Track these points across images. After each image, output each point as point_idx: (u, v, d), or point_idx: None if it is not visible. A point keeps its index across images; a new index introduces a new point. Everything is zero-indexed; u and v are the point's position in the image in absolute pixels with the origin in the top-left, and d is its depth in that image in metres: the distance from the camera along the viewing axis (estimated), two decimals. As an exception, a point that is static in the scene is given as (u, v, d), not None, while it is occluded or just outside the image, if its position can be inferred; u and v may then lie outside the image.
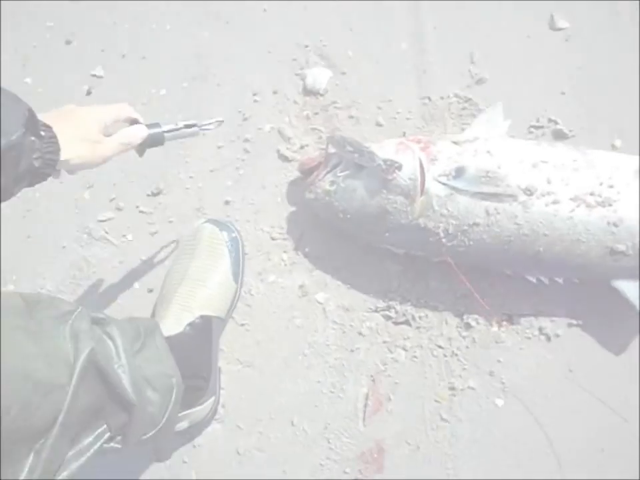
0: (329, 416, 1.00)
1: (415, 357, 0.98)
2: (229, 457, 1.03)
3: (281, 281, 1.06)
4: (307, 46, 1.16)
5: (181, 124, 0.90)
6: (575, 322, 0.94)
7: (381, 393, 0.98)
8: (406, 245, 0.94)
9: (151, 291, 1.11)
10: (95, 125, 0.79)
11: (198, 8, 1.24)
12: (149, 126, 0.86)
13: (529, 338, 0.95)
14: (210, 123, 0.92)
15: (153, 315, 1.02)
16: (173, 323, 0.97)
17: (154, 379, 0.80)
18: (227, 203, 1.11)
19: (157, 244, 1.14)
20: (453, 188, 0.88)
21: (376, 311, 1.01)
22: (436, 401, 0.96)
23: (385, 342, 1.00)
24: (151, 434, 0.79)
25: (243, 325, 1.06)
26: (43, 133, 0.69)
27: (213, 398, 1.01)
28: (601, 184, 0.89)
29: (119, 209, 1.18)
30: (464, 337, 0.97)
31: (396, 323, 1.00)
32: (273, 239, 1.08)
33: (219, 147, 1.16)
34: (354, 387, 1.00)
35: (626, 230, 0.87)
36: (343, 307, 1.03)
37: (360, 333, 1.01)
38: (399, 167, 0.89)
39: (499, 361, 0.95)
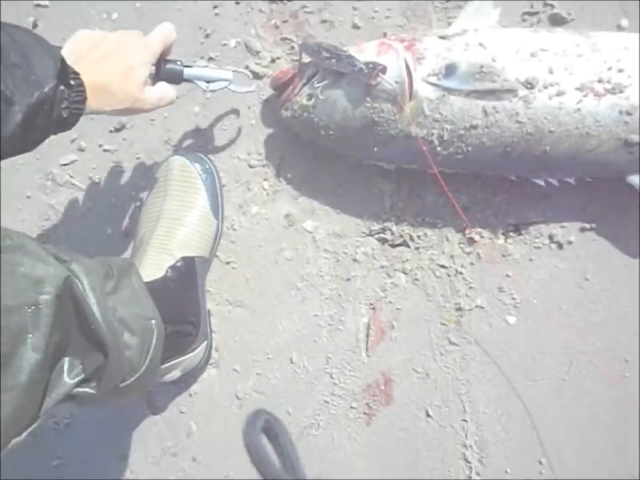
0: (329, 350, 0.93)
1: (416, 279, 0.91)
2: (228, 403, 0.97)
3: (264, 212, 0.98)
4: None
5: (206, 73, 0.86)
6: (587, 226, 0.86)
7: (383, 321, 0.91)
8: (397, 159, 0.85)
9: (126, 234, 1.03)
10: (141, 74, 0.75)
11: None
12: (166, 62, 0.82)
13: (539, 247, 0.87)
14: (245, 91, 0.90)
15: None
16: (153, 268, 0.89)
17: (131, 321, 0.74)
18: (196, 131, 1.01)
19: (127, 183, 1.04)
20: (445, 88, 0.78)
21: (370, 235, 0.93)
22: (442, 324, 0.89)
23: (382, 267, 0.92)
24: (130, 381, 0.73)
25: (228, 262, 0.98)
26: (72, 82, 0.66)
27: (205, 343, 0.94)
28: (609, 69, 0.79)
29: (81, 150, 1.08)
30: (468, 254, 0.89)
31: (393, 246, 0.92)
32: (251, 166, 0.99)
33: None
34: (353, 318, 0.93)
35: (641, 117, 0.78)
36: (334, 233, 0.95)
37: (355, 260, 0.93)
38: (383, 70, 0.78)
39: (507, 276, 0.87)
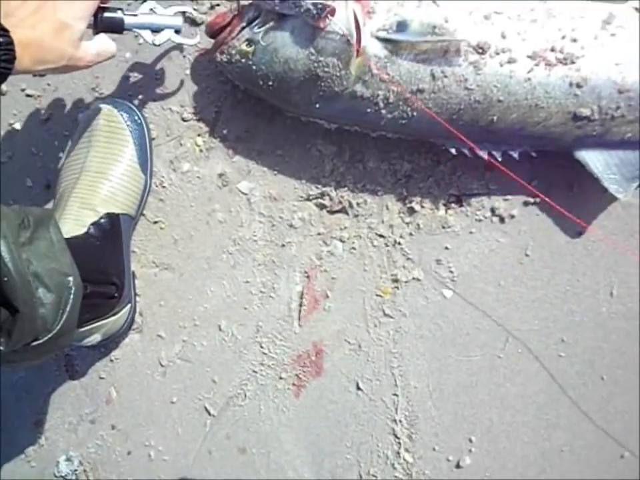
0: (260, 318, 0.90)
1: (354, 248, 0.88)
2: (151, 370, 0.94)
3: (196, 170, 0.93)
4: None
5: (151, 20, 0.79)
6: (531, 200, 0.84)
7: (317, 290, 0.88)
8: (339, 118, 0.81)
9: (47, 186, 0.97)
10: (76, 30, 0.70)
11: None
12: (105, 10, 0.75)
13: (480, 220, 0.85)
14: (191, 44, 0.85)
15: None
16: (74, 224, 0.83)
17: (46, 276, 0.70)
18: (126, 78, 0.94)
19: (50, 132, 0.97)
20: (394, 47, 0.74)
21: (308, 200, 0.89)
22: (377, 295, 0.87)
23: (319, 234, 0.89)
24: (43, 339, 0.69)
25: (156, 222, 0.94)
26: (0, 39, 0.61)
27: (128, 306, 0.90)
28: (562, 37, 0.76)
29: (1, 94, 1.00)
30: (407, 224, 0.86)
31: (331, 212, 0.89)
32: (184, 120, 0.94)
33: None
34: (287, 285, 0.90)
35: (591, 91, 0.75)
36: (270, 196, 0.90)
37: (291, 225, 0.89)
38: (332, 12, 0.73)
39: (446, 248, 0.85)
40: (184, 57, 0.94)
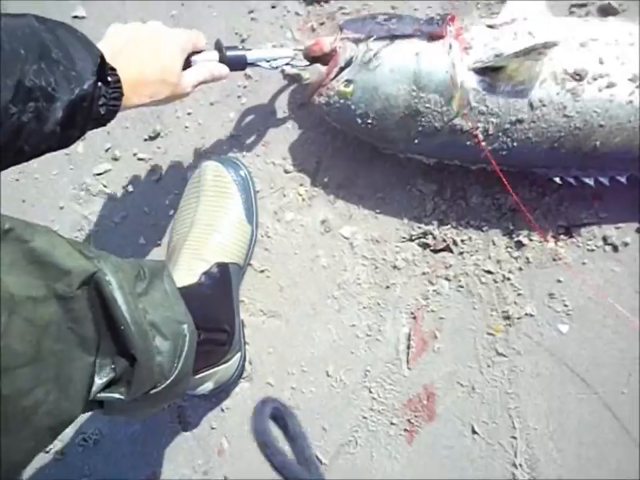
0: (367, 362, 0.91)
1: (461, 286, 0.88)
2: (261, 418, 0.95)
3: (300, 218, 0.97)
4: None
5: (268, 53, 0.87)
6: (645, 225, 0.83)
7: (425, 331, 0.89)
8: (439, 153, 0.84)
9: (159, 244, 1.04)
10: (178, 61, 0.77)
11: None
12: (228, 49, 0.84)
13: (592, 250, 0.84)
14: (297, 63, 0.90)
15: None
16: (186, 274, 0.89)
17: (163, 325, 0.73)
18: (231, 137, 1.02)
19: (161, 192, 1.05)
20: (491, 80, 0.77)
21: (411, 240, 0.91)
22: (489, 333, 0.86)
23: (424, 273, 0.90)
24: (161, 387, 0.72)
25: (262, 271, 0.98)
26: (109, 78, 0.68)
27: (238, 354, 0.93)
28: (663, 58, 0.76)
29: (115, 159, 1.11)
30: (516, 258, 0.86)
31: (435, 251, 0.90)
32: (286, 172, 0.99)
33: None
34: (393, 328, 0.91)
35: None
36: (372, 239, 0.93)
37: (395, 267, 0.91)
38: (452, 19, 0.78)
39: (559, 281, 0.85)
40: (284, 112, 1.00)
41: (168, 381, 0.74)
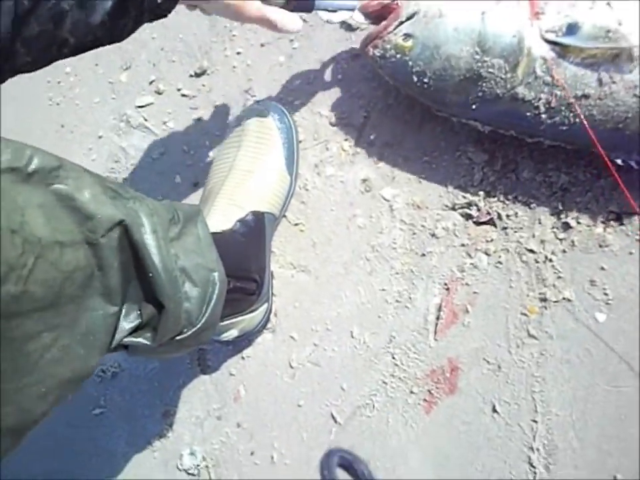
0: (394, 328, 0.91)
1: (500, 262, 0.87)
2: (281, 370, 0.97)
3: (340, 174, 0.97)
4: None
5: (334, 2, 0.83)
6: (702, 222, 0.80)
7: (457, 304, 0.89)
8: (496, 121, 0.82)
9: (195, 184, 1.05)
10: None
11: None
12: None
13: (642, 240, 0.82)
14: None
15: None
16: (221, 219, 0.89)
17: (193, 272, 0.73)
18: (278, 82, 1.00)
19: (201, 131, 1.05)
20: (562, 49, 0.74)
21: (453, 209, 0.90)
22: (523, 314, 0.86)
23: (463, 245, 0.89)
24: (187, 334, 0.72)
25: (297, 224, 0.98)
26: None
27: (265, 305, 0.94)
28: None
29: (158, 93, 1.10)
30: (561, 240, 0.85)
31: (478, 223, 0.89)
32: (332, 124, 0.98)
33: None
34: (424, 297, 0.90)
35: None
36: (413, 204, 0.93)
37: (433, 235, 0.91)
38: None
39: (602, 268, 0.83)
40: (337, 63, 0.98)
41: (195, 328, 0.75)
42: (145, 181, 1.09)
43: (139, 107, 1.12)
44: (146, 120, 1.11)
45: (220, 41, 1.09)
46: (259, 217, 0.91)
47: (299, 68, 1.01)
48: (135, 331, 0.68)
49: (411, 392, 0.91)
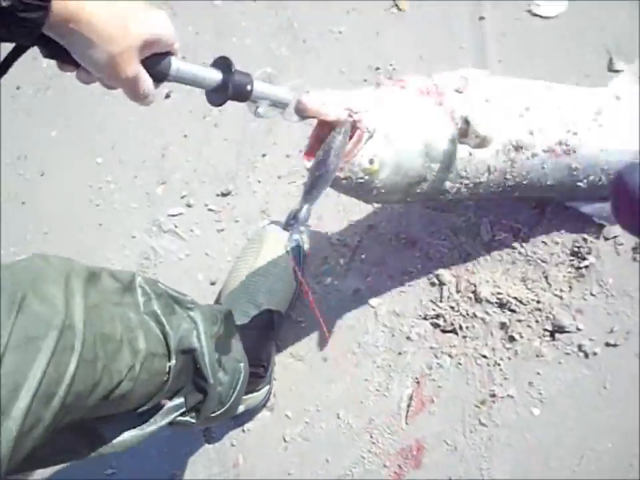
0: (373, 412, 1.15)
1: (460, 363, 1.13)
2: (275, 443, 1.19)
3: (336, 284, 1.23)
4: (377, 68, 1.35)
5: (272, 91, 0.79)
6: (612, 342, 1.08)
7: (425, 395, 1.13)
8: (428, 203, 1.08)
9: (213, 283, 1.30)
10: (138, 44, 0.67)
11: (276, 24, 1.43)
12: (238, 72, 0.76)
13: (568, 354, 1.09)
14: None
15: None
16: (240, 315, 1.14)
17: (225, 362, 0.97)
18: (291, 208, 1.28)
19: (223, 241, 1.32)
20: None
21: (425, 319, 1.17)
22: (476, 406, 1.11)
23: (431, 348, 1.15)
24: (218, 413, 0.98)
25: (299, 322, 1.23)
26: None
27: (268, 386, 1.18)
28: (567, 131, 1.00)
29: (189, 206, 1.37)
30: (507, 349, 1.12)
31: (444, 331, 1.16)
32: (332, 244, 1.25)
33: (288, 156, 1.34)
34: (399, 388, 1.15)
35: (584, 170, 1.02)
36: (394, 312, 1.19)
37: (408, 338, 1.17)
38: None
39: (538, 373, 1.09)
40: (338, 197, 1.27)
41: (224, 408, 0.99)
42: (170, 276, 1.34)
43: (171, 215, 1.39)
44: (176, 227, 1.38)
45: (244, 169, 1.38)
46: (271, 314, 1.17)
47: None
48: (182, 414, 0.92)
49: (384, 465, 1.14)
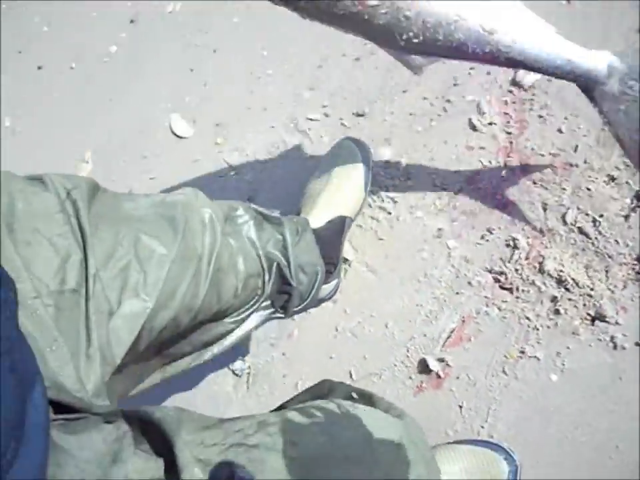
0: (416, 332, 1.35)
1: (504, 317, 1.30)
2: (328, 330, 1.41)
3: (425, 219, 1.42)
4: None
5: None
6: (643, 343, 1.21)
7: (465, 333, 1.31)
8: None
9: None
10: None
11: None
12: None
13: (600, 340, 1.23)
14: None
15: (299, 210, 1.39)
16: (316, 219, 1.33)
17: (305, 266, 1.18)
18: (412, 143, 1.47)
19: (302, 159, 1.52)
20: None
21: (489, 272, 1.34)
22: (505, 356, 1.27)
23: (485, 297, 1.32)
24: (299, 307, 1.20)
25: (381, 239, 1.43)
26: None
27: (336, 280, 1.39)
28: None
29: (326, 115, 1.58)
30: (550, 319, 1.27)
31: (501, 287, 1.32)
32: (434, 185, 1.44)
33: (424, 98, 1.52)
34: (446, 320, 1.34)
35: None
36: (465, 258, 1.36)
37: (469, 283, 1.34)
38: None
39: (567, 347, 1.24)
40: (455, 146, 1.44)
41: (304, 304, 1.21)
42: (287, 167, 1.58)
43: (309, 118, 1.61)
44: (309, 130, 1.60)
45: (383, 98, 1.58)
46: (342, 219, 1.35)
47: (430, 140, 1.47)
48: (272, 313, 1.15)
49: (410, 377, 1.34)
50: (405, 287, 1.38)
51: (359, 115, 1.55)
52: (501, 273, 1.32)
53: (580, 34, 1.24)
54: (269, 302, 1.13)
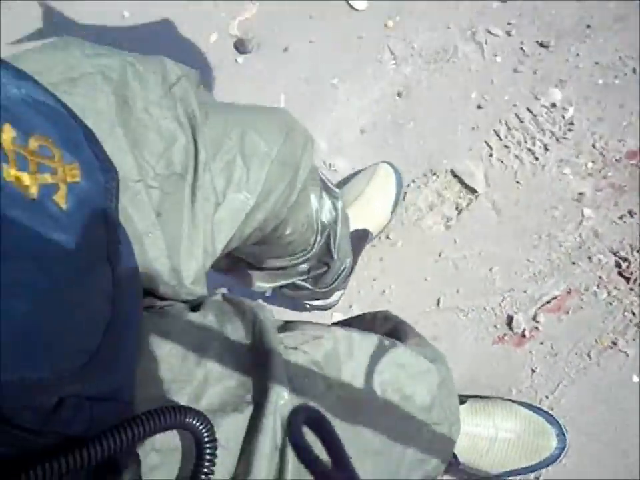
0: (517, 286, 1.35)
1: (610, 303, 1.28)
2: (431, 254, 1.43)
3: (571, 178, 1.37)
4: None
5: None
6: None
7: (566, 304, 1.30)
8: None
9: (480, 107, 1.47)
10: None
11: None
12: None
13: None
14: None
15: None
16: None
17: (341, 252, 1.19)
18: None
19: (506, 78, 1.47)
20: None
21: (614, 254, 1.30)
22: (596, 340, 1.27)
23: (600, 277, 1.30)
24: (322, 290, 1.25)
25: (518, 182, 1.40)
26: None
27: (342, 292, 1.43)
28: None
29: (508, 34, 1.52)
30: (650, 320, 1.24)
31: (620, 274, 1.29)
32: (593, 146, 1.37)
33: (617, 50, 1.42)
34: (551, 286, 1.32)
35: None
36: (595, 231, 1.33)
37: (589, 258, 1.31)
38: None
39: (650, 354, 1.22)
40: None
41: (333, 285, 1.25)
42: (440, 84, 1.53)
43: (489, 32, 1.54)
44: (486, 43, 1.53)
45: (574, 36, 1.48)
46: (366, 232, 1.38)
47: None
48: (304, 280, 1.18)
49: (495, 326, 1.35)
50: (523, 239, 1.36)
51: (542, 46, 1.47)
52: (625, 260, 1.29)
53: None
54: (306, 266, 1.15)
